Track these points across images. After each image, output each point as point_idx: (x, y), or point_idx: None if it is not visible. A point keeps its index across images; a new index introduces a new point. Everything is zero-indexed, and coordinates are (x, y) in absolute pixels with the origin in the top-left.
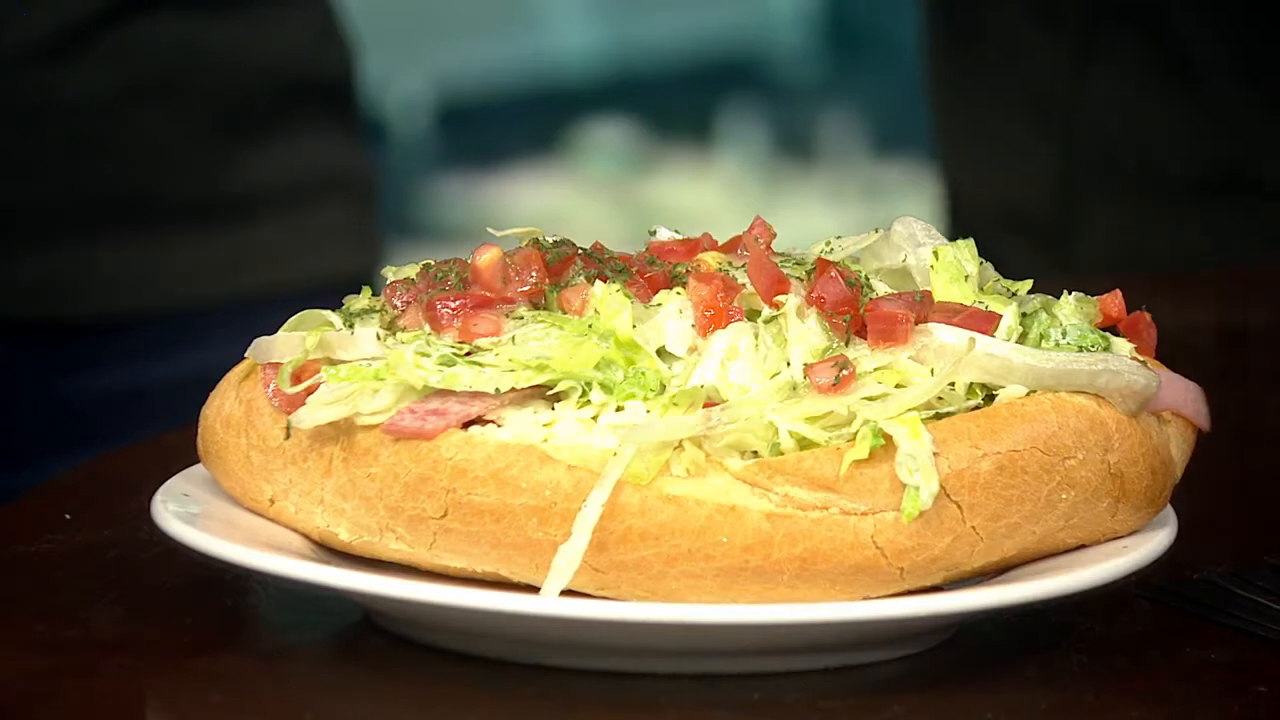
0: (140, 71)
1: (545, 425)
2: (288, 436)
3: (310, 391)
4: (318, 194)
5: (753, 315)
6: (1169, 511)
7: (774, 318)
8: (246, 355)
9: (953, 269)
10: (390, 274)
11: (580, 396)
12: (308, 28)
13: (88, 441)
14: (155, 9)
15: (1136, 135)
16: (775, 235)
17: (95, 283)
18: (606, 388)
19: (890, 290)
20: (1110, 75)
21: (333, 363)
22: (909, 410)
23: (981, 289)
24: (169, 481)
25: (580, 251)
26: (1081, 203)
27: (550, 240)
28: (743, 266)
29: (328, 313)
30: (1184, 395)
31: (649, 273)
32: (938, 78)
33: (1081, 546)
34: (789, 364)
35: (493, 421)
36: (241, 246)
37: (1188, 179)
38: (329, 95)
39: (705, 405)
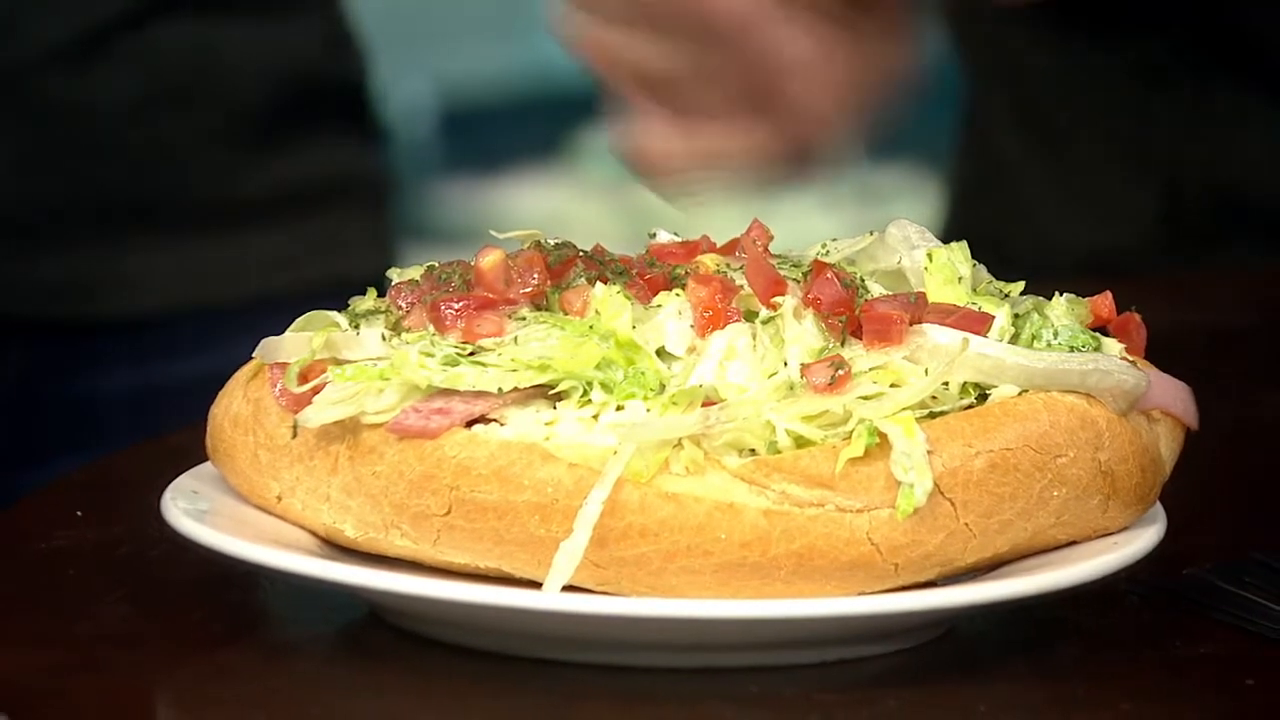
0: (160, 77)
1: (547, 424)
2: (294, 435)
3: (316, 391)
4: (333, 197)
5: (750, 316)
6: (1158, 508)
7: (771, 319)
8: (254, 355)
9: (947, 271)
10: (395, 276)
11: (581, 396)
12: (323, 34)
13: (104, 439)
14: (174, 15)
15: (1256, 176)
16: (772, 238)
17: (113, 284)
18: (607, 387)
19: (885, 292)
20: (1216, 127)
21: (339, 363)
22: (904, 409)
23: (975, 290)
24: (178, 479)
25: (581, 254)
26: (1184, 249)
27: (552, 243)
28: (741, 268)
29: (334, 314)
30: (1173, 394)
31: (649, 274)
32: (1019, 134)
33: (1073, 543)
34: (786, 364)
35: (496, 420)
36: (258, 249)
37: None
38: (344, 100)
39: (704, 404)
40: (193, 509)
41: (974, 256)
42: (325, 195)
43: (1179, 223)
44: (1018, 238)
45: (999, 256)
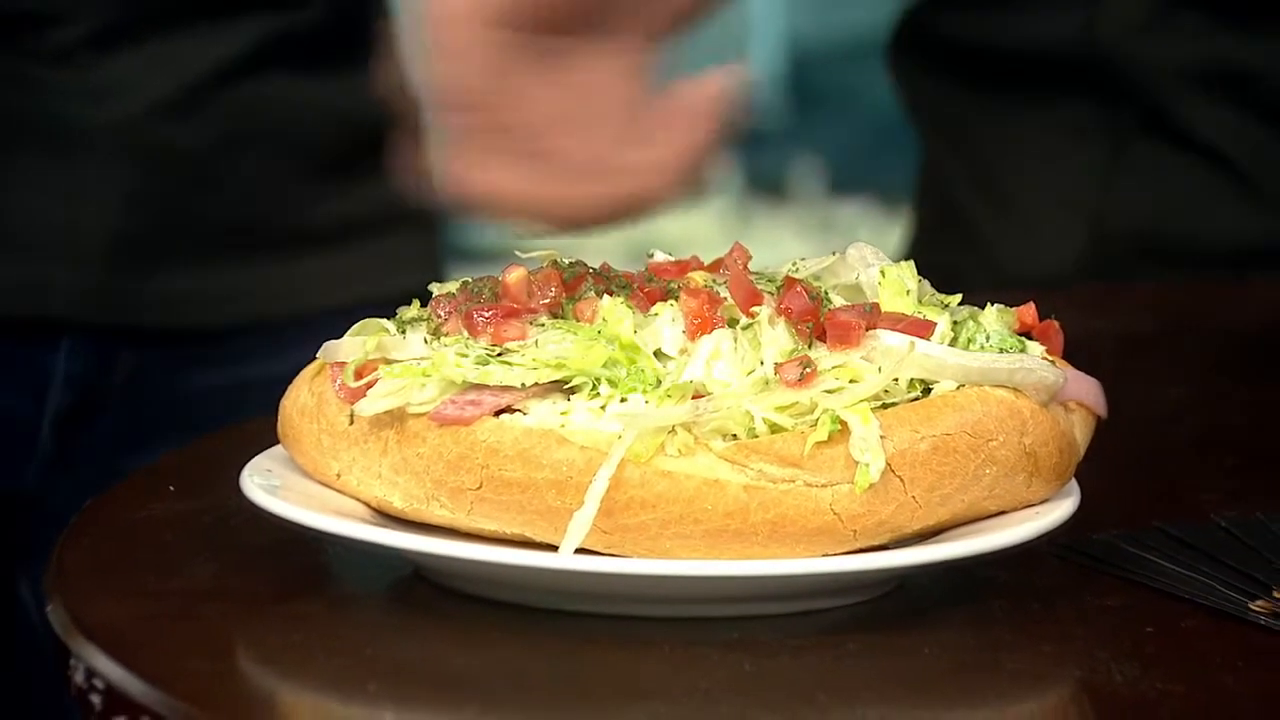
0: (247, 124)
1: (562, 413)
2: (351, 423)
3: (370, 386)
4: (391, 226)
5: (733, 323)
6: (1074, 484)
7: (750, 325)
8: (317, 356)
9: (897, 285)
10: (435, 289)
11: (591, 390)
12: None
13: (197, 429)
14: (260, 74)
15: (1167, 215)
16: (751, 257)
17: (205, 298)
18: (613, 383)
19: (845, 303)
20: (1140, 169)
21: (388, 362)
22: (861, 401)
23: (920, 302)
24: (255, 459)
25: (591, 271)
26: (1104, 278)
27: (566, 262)
28: (724, 283)
29: (384, 321)
30: (1086, 388)
31: (647, 288)
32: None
33: (1002, 512)
34: (762, 363)
35: (519, 410)
36: (327, 269)
37: (1219, 256)
38: None
39: (694, 397)
40: (266, 484)
41: (935, 285)
42: (383, 224)
43: (1100, 256)
44: (972, 268)
45: (958, 284)
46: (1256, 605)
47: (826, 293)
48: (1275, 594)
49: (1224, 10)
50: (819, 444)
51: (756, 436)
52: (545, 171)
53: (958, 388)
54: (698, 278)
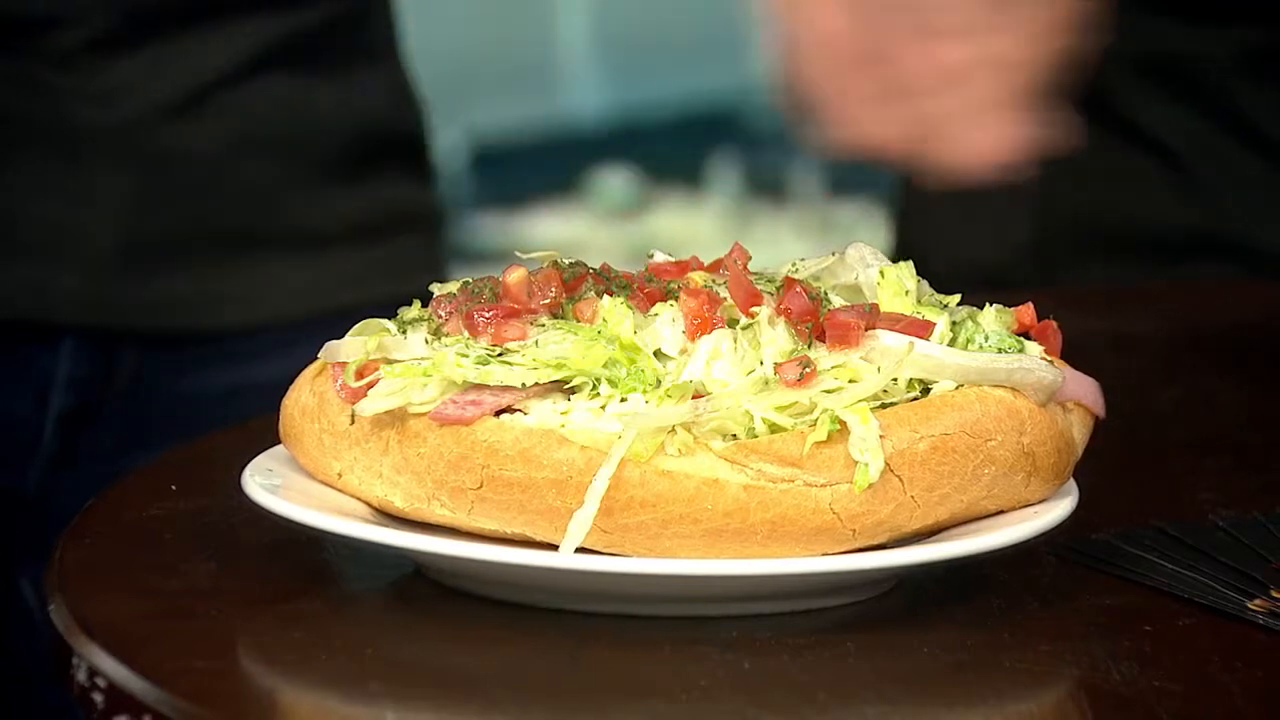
0: (252, 126)
1: (562, 413)
2: (353, 422)
3: (371, 386)
4: (395, 228)
5: (732, 323)
6: (1071, 483)
7: (750, 325)
8: (319, 356)
9: (895, 285)
10: (436, 289)
11: (591, 390)
12: (390, 90)
13: (201, 429)
14: (266, 76)
15: (1110, 204)
16: (750, 258)
17: (207, 300)
18: (613, 383)
19: (844, 303)
20: (1085, 158)
21: (389, 362)
22: (860, 401)
23: (919, 302)
24: (256, 459)
25: (591, 271)
26: (1057, 265)
27: (567, 262)
28: (724, 283)
29: (385, 321)
30: (1084, 388)
31: (647, 288)
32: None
33: (1000, 512)
34: (762, 363)
35: (520, 410)
36: (331, 271)
37: (1161, 244)
38: (406, 146)
39: (694, 397)
40: (268, 484)
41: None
42: (388, 227)
43: (1044, 245)
44: (935, 257)
45: (923, 271)
46: (1255, 604)
47: (826, 293)
48: (1273, 593)
49: (1165, 1)
50: (818, 444)
51: (756, 436)
52: (918, 116)
53: (956, 388)
54: (698, 278)
